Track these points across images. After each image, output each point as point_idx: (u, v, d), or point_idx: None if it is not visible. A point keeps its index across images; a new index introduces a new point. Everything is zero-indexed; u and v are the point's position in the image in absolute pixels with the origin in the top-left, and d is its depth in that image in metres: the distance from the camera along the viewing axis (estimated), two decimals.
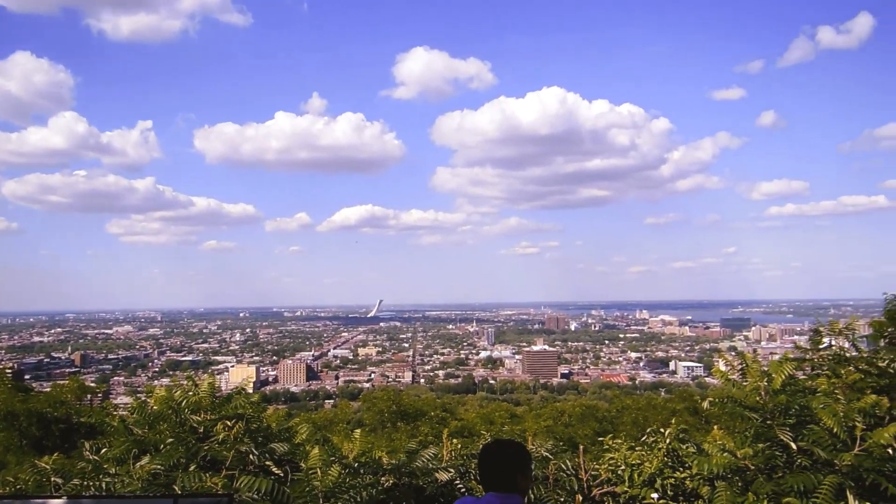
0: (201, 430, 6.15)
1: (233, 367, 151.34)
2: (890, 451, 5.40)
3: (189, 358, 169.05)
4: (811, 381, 6.78)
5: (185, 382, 6.87)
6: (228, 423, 6.12)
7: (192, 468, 5.60)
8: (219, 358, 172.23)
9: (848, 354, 7.36)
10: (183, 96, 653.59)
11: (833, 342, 7.70)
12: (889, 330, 12.31)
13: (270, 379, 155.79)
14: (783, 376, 5.78)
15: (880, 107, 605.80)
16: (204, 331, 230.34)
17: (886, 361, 6.70)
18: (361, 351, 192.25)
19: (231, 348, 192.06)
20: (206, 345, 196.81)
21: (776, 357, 6.52)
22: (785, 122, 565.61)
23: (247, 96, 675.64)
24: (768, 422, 5.66)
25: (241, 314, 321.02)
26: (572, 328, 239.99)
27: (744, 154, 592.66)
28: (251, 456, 5.93)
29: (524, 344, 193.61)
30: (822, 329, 7.76)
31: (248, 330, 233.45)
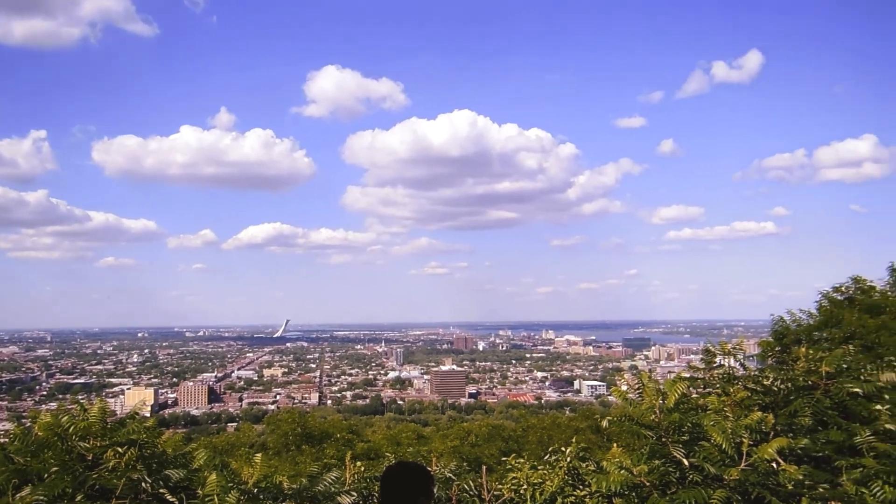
0: (90, 458, 5.80)
1: (129, 389, 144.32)
2: (774, 465, 5.70)
3: (81, 380, 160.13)
4: (703, 399, 7.08)
5: (74, 407, 6.47)
6: (120, 449, 5.80)
7: (78, 498, 5.26)
8: (114, 380, 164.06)
9: (737, 373, 7.73)
10: (81, 106, 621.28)
11: (723, 361, 8.08)
12: (775, 349, 13.03)
13: (170, 402, 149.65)
14: (677, 395, 6.00)
15: (769, 138, 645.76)
16: (98, 352, 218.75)
17: (771, 380, 7.06)
18: (267, 372, 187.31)
19: (128, 370, 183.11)
20: (100, 366, 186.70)
21: (673, 376, 6.78)
22: (683, 151, 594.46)
23: (151, 109, 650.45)
24: (663, 439, 5.86)
25: (140, 334, 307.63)
26: (480, 348, 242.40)
27: (645, 180, 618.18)
28: (144, 484, 5.63)
29: (432, 364, 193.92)
30: (713, 349, 8.14)
31: (146, 351, 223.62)
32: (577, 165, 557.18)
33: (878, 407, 6.53)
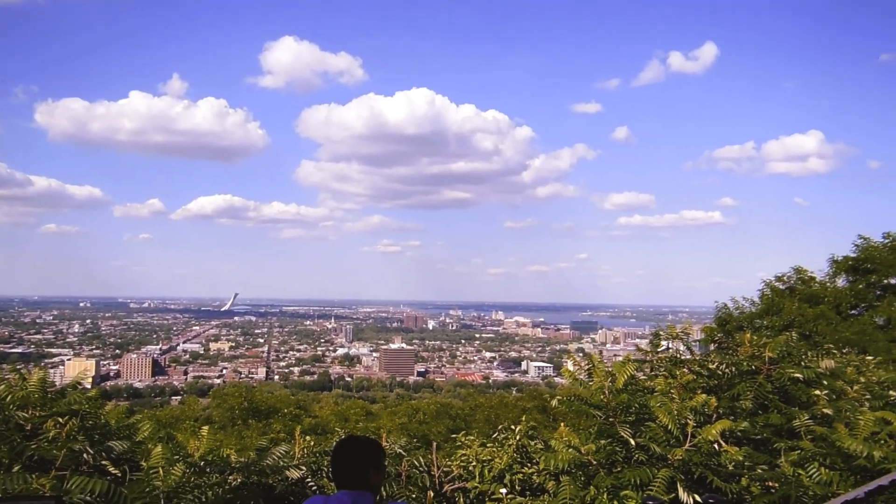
0: (28, 428, 5.63)
1: (69, 360, 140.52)
2: (716, 446, 5.86)
3: (18, 350, 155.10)
4: (650, 382, 7.24)
5: (12, 376, 6.26)
6: (60, 420, 5.66)
7: (16, 469, 5.11)
8: (53, 350, 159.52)
9: (683, 357, 7.92)
10: (25, 66, 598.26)
11: (670, 345, 8.27)
12: (718, 335, 13.36)
13: (112, 374, 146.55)
14: (625, 376, 6.12)
15: (719, 130, 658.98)
16: (37, 321, 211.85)
17: (715, 364, 7.25)
18: (213, 345, 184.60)
19: (68, 340, 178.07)
20: (39, 336, 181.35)
21: (619, 359, 6.90)
22: (636, 139, 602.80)
23: (99, 72, 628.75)
24: (610, 419, 5.97)
25: (82, 304, 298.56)
26: (430, 327, 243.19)
27: (598, 165, 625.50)
28: (85, 455, 5.49)
29: (382, 342, 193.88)
30: (660, 333, 8.32)
31: (88, 321, 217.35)
32: (533, 149, 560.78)
33: (817, 392, 6.77)
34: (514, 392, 60.48)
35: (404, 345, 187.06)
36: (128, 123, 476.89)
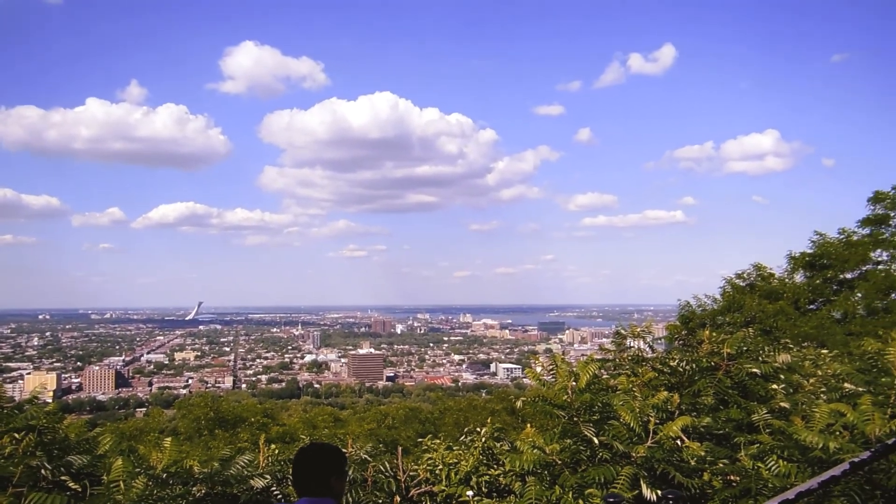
0: None
1: (29, 374, 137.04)
2: (678, 442, 5.95)
3: None
4: (613, 380, 7.32)
5: None
6: (17, 435, 5.54)
7: None
8: (12, 364, 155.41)
9: (645, 355, 8.03)
10: None
11: (633, 344, 8.37)
12: (682, 332, 13.56)
13: (74, 387, 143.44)
14: (588, 376, 6.18)
15: (679, 130, 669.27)
16: None
17: (677, 361, 7.36)
18: (178, 355, 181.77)
19: (27, 354, 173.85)
20: None
21: (585, 358, 6.97)
22: (598, 140, 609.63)
23: (54, 79, 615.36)
24: (574, 419, 6.03)
25: (41, 316, 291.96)
26: (398, 331, 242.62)
27: (562, 167, 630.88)
28: (43, 471, 5.39)
29: (350, 347, 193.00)
30: (623, 332, 8.42)
31: (48, 333, 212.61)
32: (497, 151, 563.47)
33: (774, 386, 6.92)
34: (483, 394, 60.63)
35: (372, 350, 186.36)
36: (85, 131, 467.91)
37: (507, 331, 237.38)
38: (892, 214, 21.29)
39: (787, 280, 22.05)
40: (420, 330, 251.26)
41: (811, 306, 21.32)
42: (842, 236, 21.66)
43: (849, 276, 21.38)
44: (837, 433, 5.23)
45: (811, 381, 7.22)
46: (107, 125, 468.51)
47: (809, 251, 21.94)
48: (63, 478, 5.54)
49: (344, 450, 6.80)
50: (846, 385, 6.25)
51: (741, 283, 22.08)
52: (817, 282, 21.57)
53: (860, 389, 5.84)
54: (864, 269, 21.04)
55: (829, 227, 25.53)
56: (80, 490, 5.51)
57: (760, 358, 7.24)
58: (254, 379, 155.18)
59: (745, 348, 7.33)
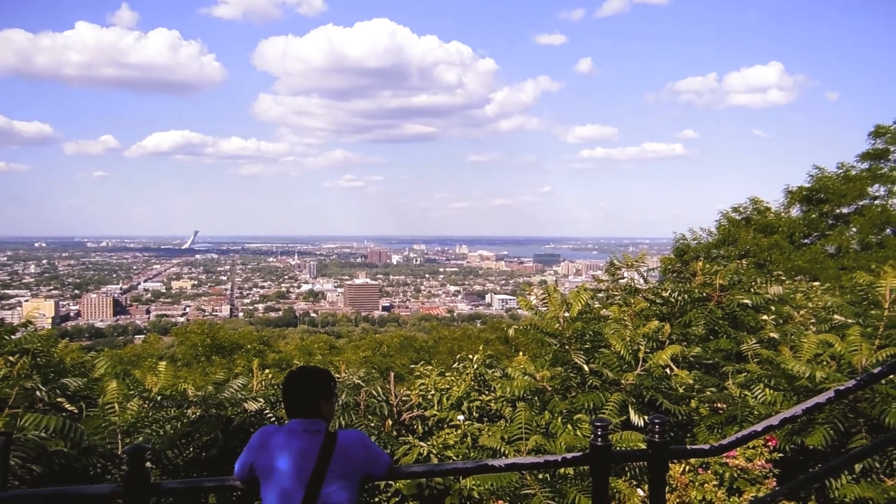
0: None
1: (27, 301, 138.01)
2: (667, 370, 6.04)
3: None
4: (606, 310, 7.38)
5: None
6: (11, 358, 5.58)
7: None
8: (10, 292, 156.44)
9: (638, 286, 8.08)
10: None
11: (627, 275, 8.41)
12: (676, 265, 13.62)
13: (72, 314, 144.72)
14: (580, 305, 6.22)
15: (682, 61, 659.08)
16: None
17: (669, 291, 7.40)
18: (175, 284, 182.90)
19: (25, 281, 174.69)
20: None
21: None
22: (600, 70, 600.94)
23: (41, 1, 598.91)
24: (565, 346, 6.09)
25: (37, 244, 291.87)
26: (394, 262, 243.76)
27: (562, 98, 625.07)
28: (39, 393, 5.45)
29: (346, 277, 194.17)
30: (616, 263, 8.45)
31: (45, 261, 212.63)
32: (497, 81, 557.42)
33: (765, 317, 6.98)
34: (478, 324, 61.39)
35: (368, 280, 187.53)
36: (75, 56, 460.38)
37: (502, 262, 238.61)
38: (892, 149, 21.12)
39: (782, 214, 22.04)
40: (416, 261, 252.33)
41: (806, 240, 21.38)
42: (840, 171, 21.54)
43: (845, 210, 21.37)
44: (825, 363, 5.31)
45: (801, 312, 7.29)
46: (98, 50, 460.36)
47: (807, 185, 21.85)
48: (59, 400, 5.61)
49: (336, 375, 6.90)
50: (836, 317, 6.31)
51: (737, 217, 22.07)
52: (813, 216, 21.56)
53: (849, 321, 5.89)
54: (861, 203, 21.00)
55: (830, 162, 25.35)
56: (76, 412, 5.59)
57: (752, 290, 7.29)
58: (251, 308, 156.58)
59: (737, 280, 7.37)
